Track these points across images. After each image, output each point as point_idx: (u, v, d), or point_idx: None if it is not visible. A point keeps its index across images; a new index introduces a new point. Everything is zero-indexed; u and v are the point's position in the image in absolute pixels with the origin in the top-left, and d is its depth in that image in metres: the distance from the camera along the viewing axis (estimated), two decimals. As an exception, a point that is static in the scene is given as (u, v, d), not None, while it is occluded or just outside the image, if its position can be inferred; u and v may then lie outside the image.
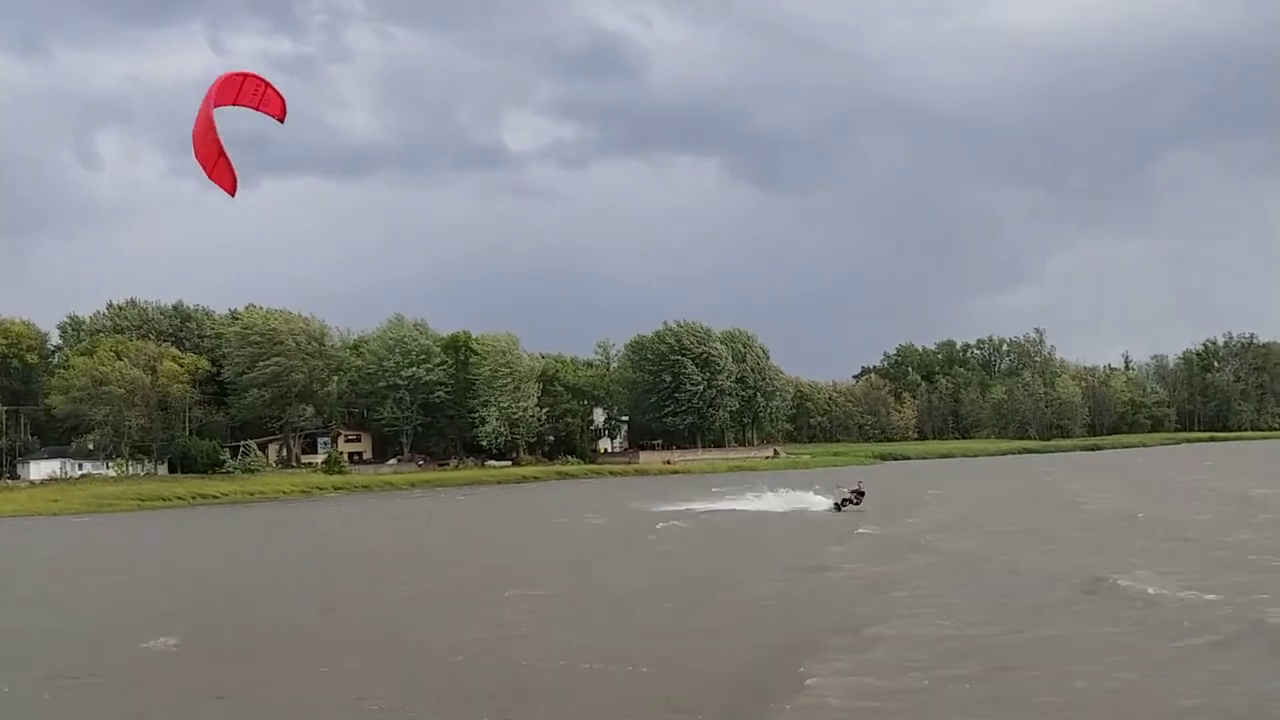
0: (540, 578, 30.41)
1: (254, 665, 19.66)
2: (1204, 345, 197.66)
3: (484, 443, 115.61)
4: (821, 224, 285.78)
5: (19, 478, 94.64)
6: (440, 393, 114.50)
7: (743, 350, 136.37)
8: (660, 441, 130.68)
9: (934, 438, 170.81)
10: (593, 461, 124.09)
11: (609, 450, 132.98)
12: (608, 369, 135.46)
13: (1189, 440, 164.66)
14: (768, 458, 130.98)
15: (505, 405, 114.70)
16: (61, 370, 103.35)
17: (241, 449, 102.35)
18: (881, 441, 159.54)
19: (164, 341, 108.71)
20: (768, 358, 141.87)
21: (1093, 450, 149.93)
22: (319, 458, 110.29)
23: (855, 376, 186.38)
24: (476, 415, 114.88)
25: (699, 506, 56.34)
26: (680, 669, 17.99)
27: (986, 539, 36.41)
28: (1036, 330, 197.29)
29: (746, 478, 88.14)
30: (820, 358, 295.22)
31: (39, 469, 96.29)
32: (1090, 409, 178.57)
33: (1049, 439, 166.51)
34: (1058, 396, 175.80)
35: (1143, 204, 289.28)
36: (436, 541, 47.15)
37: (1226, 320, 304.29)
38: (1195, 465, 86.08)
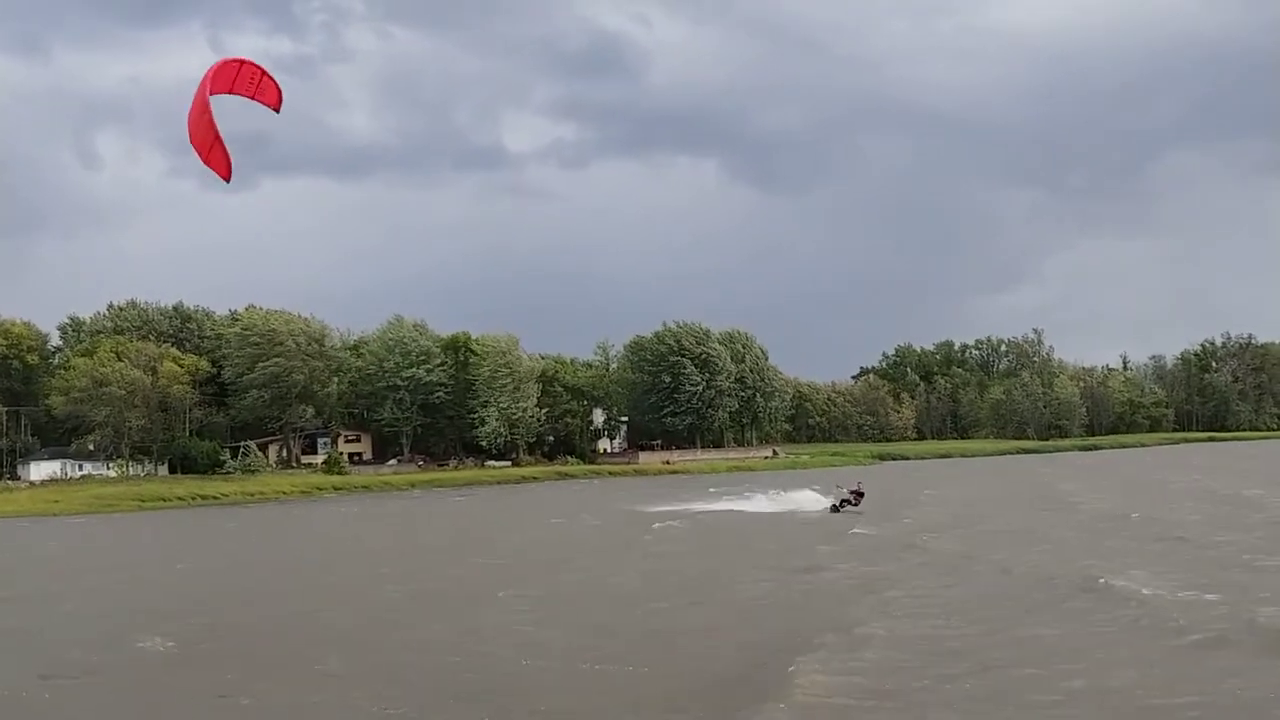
0: (537, 578, 30.57)
1: (253, 664, 19.76)
2: (1202, 346, 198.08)
3: (484, 443, 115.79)
4: (821, 224, 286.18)
5: (19, 478, 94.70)
6: (440, 393, 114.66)
7: (742, 351, 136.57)
8: (659, 442, 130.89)
9: (932, 438, 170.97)
10: (592, 462, 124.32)
11: (608, 450, 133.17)
12: (607, 369, 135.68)
13: (1187, 440, 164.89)
14: (766, 458, 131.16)
15: (505, 406, 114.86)
16: (62, 371, 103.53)
17: (241, 450, 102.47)
18: (880, 442, 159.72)
19: (164, 342, 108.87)
20: (767, 358, 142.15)
21: (1090, 450, 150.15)
22: (319, 458, 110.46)
23: (854, 377, 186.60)
24: (476, 416, 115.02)
25: (696, 507, 56.46)
26: (676, 668, 18.13)
27: (981, 539, 36.52)
28: (1035, 330, 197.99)
29: (745, 478, 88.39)
30: (819, 358, 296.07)
31: (39, 470, 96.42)
32: (1088, 409, 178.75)
33: (1047, 439, 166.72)
34: (1056, 397, 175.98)
35: (1143, 204, 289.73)
36: (435, 541, 47.34)
37: (1226, 320, 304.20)
38: (1192, 465, 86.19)
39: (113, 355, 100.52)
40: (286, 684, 18.13)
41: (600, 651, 19.58)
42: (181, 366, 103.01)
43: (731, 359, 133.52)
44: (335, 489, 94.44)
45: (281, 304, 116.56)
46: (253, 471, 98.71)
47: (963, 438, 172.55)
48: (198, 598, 29.30)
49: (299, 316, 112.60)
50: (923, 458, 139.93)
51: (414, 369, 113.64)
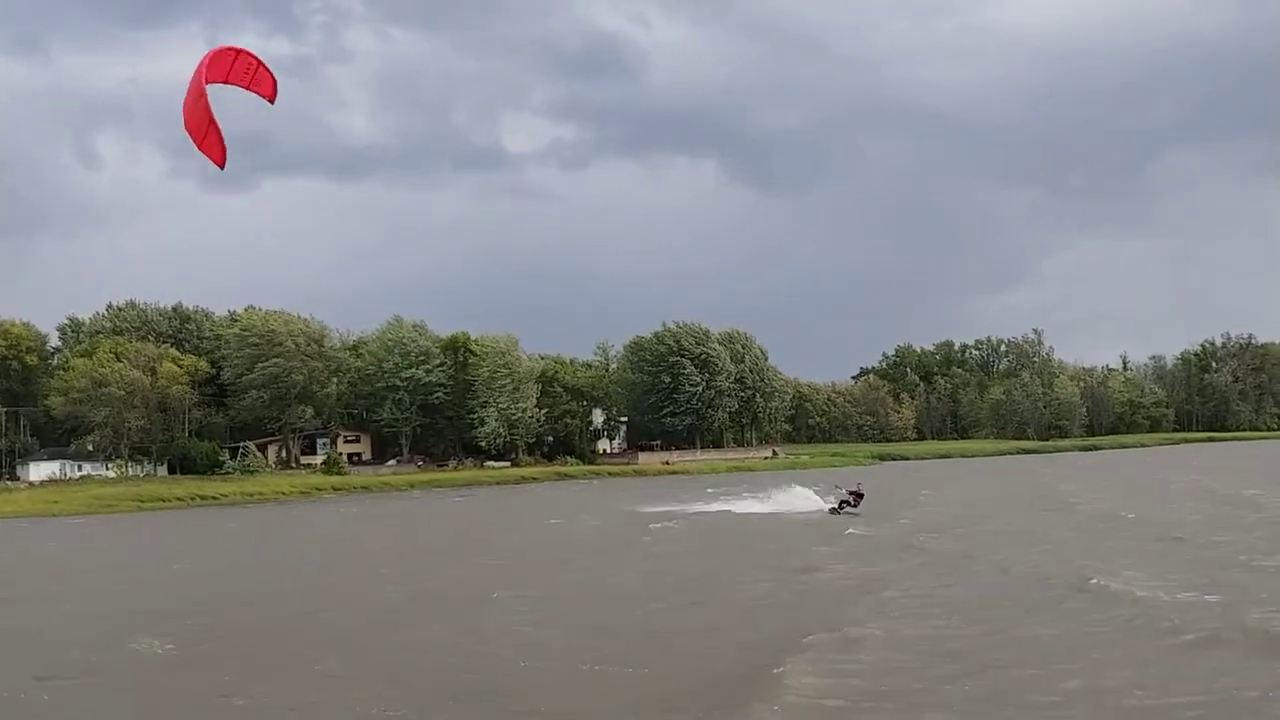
0: (537, 578, 30.61)
1: (253, 665, 19.79)
2: (1202, 346, 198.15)
3: (483, 443, 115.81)
4: (821, 224, 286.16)
5: (18, 479, 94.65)
6: (439, 394, 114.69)
7: (741, 351, 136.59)
8: (659, 442, 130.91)
9: (932, 438, 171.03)
10: (592, 462, 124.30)
11: (608, 451, 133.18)
12: (607, 370, 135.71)
13: (1187, 441, 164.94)
14: (766, 458, 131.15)
15: (504, 406, 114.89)
16: (61, 372, 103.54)
17: (241, 450, 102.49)
18: (880, 442, 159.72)
19: (163, 343, 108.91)
20: (766, 358, 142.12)
21: (1090, 451, 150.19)
22: (318, 459, 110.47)
23: (854, 377, 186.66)
24: (475, 416, 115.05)
25: (695, 508, 56.49)
26: (675, 668, 18.17)
27: (980, 539, 36.57)
28: (1035, 331, 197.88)
29: (744, 478, 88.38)
30: (819, 358, 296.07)
31: (38, 470, 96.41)
32: (1088, 409, 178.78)
33: (1047, 439, 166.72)
34: (1056, 397, 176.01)
35: (1143, 204, 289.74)
36: (434, 542, 47.35)
37: (1226, 320, 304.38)
38: (1192, 466, 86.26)
39: (112, 356, 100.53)
40: (286, 685, 18.16)
41: (600, 652, 19.61)
42: (181, 367, 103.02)
43: (731, 359, 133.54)
44: (334, 489, 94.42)
45: (281, 304, 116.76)
46: (252, 472, 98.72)
47: (963, 438, 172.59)
48: (197, 598, 29.30)
49: (298, 317, 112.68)
50: (922, 458, 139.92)
51: (413, 369, 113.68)
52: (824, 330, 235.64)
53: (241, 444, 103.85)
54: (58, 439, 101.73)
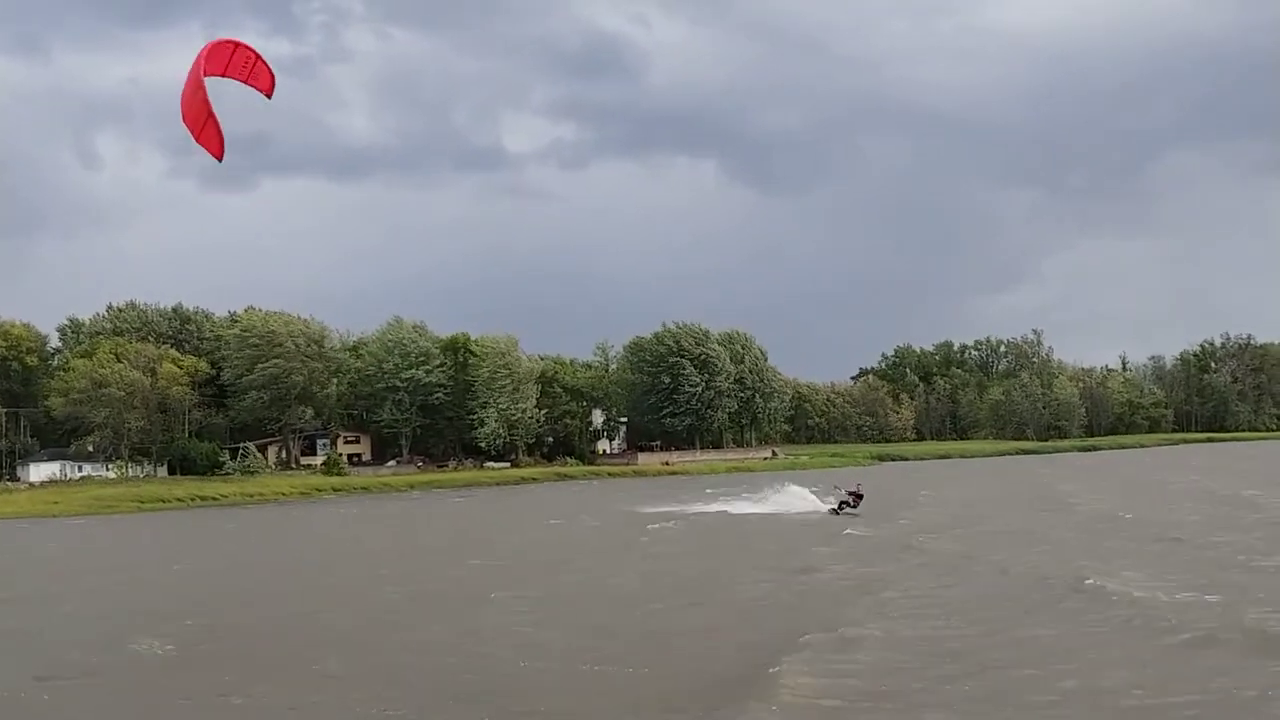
0: (536, 579, 30.65)
1: (253, 666, 19.83)
2: (1201, 346, 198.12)
3: (483, 444, 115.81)
4: (821, 224, 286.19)
5: (19, 480, 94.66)
6: (439, 394, 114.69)
7: (741, 351, 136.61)
8: (659, 443, 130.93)
9: (932, 439, 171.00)
10: (591, 463, 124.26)
11: (608, 451, 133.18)
12: (606, 370, 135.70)
13: (1186, 441, 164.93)
14: (766, 459, 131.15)
15: (504, 407, 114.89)
16: (61, 372, 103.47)
17: (241, 451, 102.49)
18: (879, 442, 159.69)
19: (163, 344, 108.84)
20: (766, 359, 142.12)
21: (1089, 451, 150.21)
22: (318, 459, 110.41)
23: (853, 377, 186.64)
24: (475, 417, 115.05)
25: (694, 508, 56.55)
26: (675, 669, 18.22)
27: (979, 540, 36.62)
28: (1034, 331, 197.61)
29: (744, 479, 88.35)
30: (819, 358, 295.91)
31: (39, 471, 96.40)
32: (1088, 410, 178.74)
33: (1046, 440, 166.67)
34: (1055, 397, 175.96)
35: (1143, 204, 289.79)
36: (434, 543, 47.39)
37: (1225, 321, 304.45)
38: (1191, 466, 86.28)
39: (112, 356, 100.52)
40: (286, 685, 18.20)
41: (599, 652, 19.66)
42: (181, 368, 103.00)
43: (731, 360, 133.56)
44: (334, 490, 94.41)
45: (281, 305, 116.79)
46: (252, 473, 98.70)
47: (962, 438, 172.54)
48: (197, 599, 29.33)
49: (298, 318, 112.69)
50: (922, 458, 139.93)
51: (413, 370, 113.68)
52: (823, 330, 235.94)
53: (241, 445, 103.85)
54: (58, 440, 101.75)
